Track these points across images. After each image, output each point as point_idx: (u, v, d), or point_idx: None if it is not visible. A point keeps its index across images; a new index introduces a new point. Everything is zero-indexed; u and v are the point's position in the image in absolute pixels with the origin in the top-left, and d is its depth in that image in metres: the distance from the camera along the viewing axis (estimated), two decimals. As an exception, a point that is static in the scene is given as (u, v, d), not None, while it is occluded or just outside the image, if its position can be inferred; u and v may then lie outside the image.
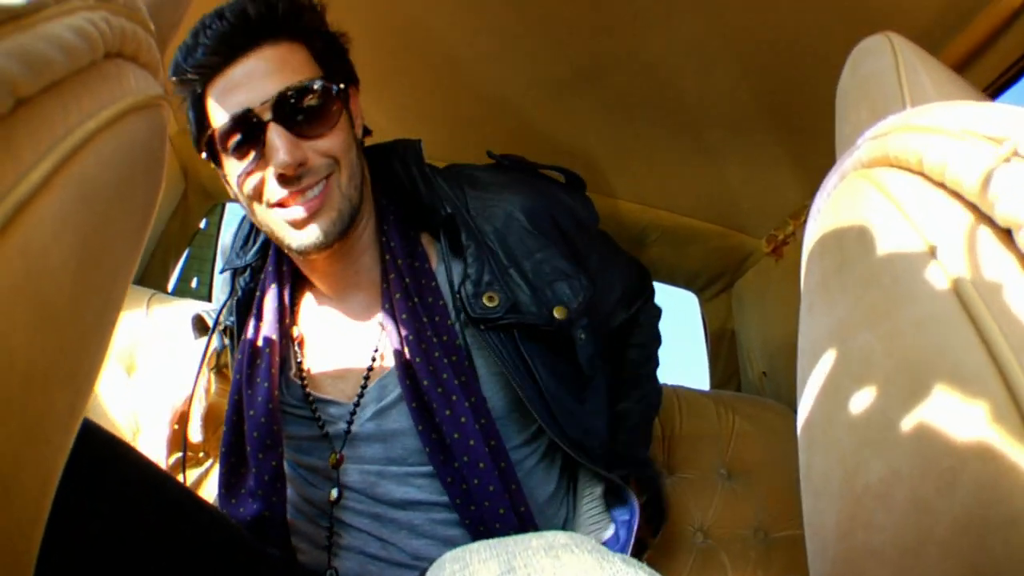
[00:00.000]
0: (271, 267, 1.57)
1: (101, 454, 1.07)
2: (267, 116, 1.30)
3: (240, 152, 1.34)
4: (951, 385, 0.48)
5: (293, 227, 1.38)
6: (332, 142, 1.38)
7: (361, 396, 1.47)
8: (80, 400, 0.59)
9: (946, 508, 0.46)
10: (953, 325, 0.50)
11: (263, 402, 1.43)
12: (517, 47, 1.86)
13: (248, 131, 1.31)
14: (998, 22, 1.42)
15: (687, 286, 2.98)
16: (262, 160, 1.33)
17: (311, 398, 1.51)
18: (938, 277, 0.53)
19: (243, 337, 1.54)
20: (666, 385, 2.35)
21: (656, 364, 1.91)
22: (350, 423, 1.47)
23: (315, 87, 1.35)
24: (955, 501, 0.46)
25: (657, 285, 2.91)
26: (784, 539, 2.13)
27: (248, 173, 1.35)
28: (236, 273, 1.65)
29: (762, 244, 2.56)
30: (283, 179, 1.33)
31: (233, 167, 1.36)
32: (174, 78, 1.36)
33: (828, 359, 0.62)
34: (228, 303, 1.63)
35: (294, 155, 1.31)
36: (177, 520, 1.18)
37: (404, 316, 1.43)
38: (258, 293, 1.58)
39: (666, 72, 1.88)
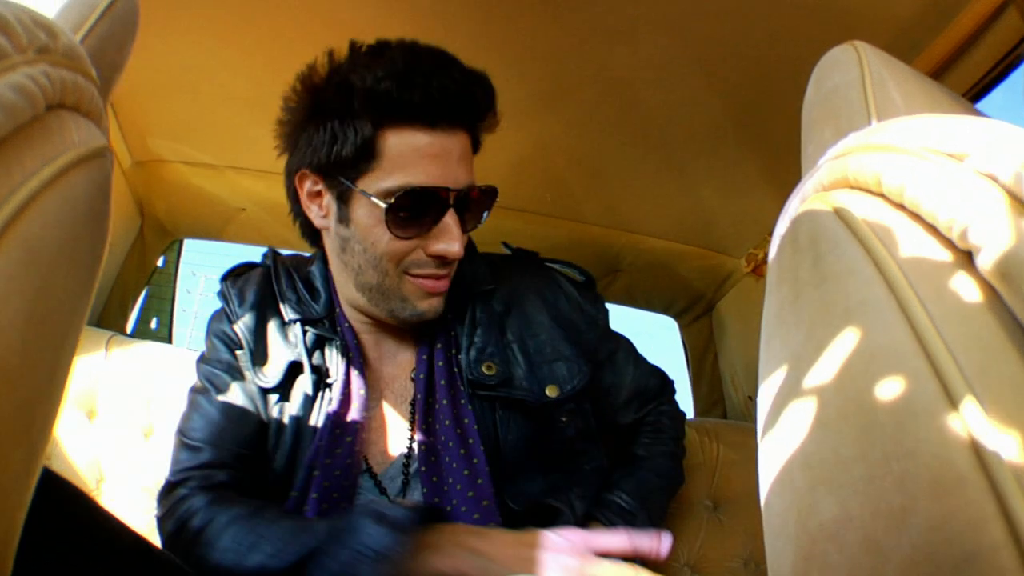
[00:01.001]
0: (347, 333, 1.63)
1: (61, 506, 1.08)
2: (451, 200, 1.43)
3: (411, 218, 1.42)
4: (903, 421, 0.49)
5: (419, 297, 1.52)
6: (467, 239, 1.56)
7: (407, 476, 1.57)
8: (35, 455, 0.60)
9: (896, 548, 0.46)
10: (905, 357, 0.50)
11: (347, 485, 1.52)
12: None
13: (431, 204, 1.42)
14: (979, 22, 1.42)
15: (665, 311, 2.98)
16: (423, 236, 1.45)
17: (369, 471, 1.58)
18: (891, 308, 0.52)
19: (323, 394, 1.57)
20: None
21: (666, 463, 1.93)
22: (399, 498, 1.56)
23: (489, 193, 1.52)
24: (905, 541, 0.46)
25: (634, 311, 2.92)
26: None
27: (406, 240, 1.44)
28: (309, 322, 1.64)
29: (741, 264, 2.57)
30: (442, 260, 1.48)
31: (397, 227, 1.42)
32: (355, 91, 1.39)
33: (783, 396, 0.61)
34: (320, 353, 1.61)
35: (463, 245, 1.45)
36: (137, 569, 1.19)
37: (443, 382, 1.58)
38: (347, 354, 1.61)
39: (634, 89, 1.89)
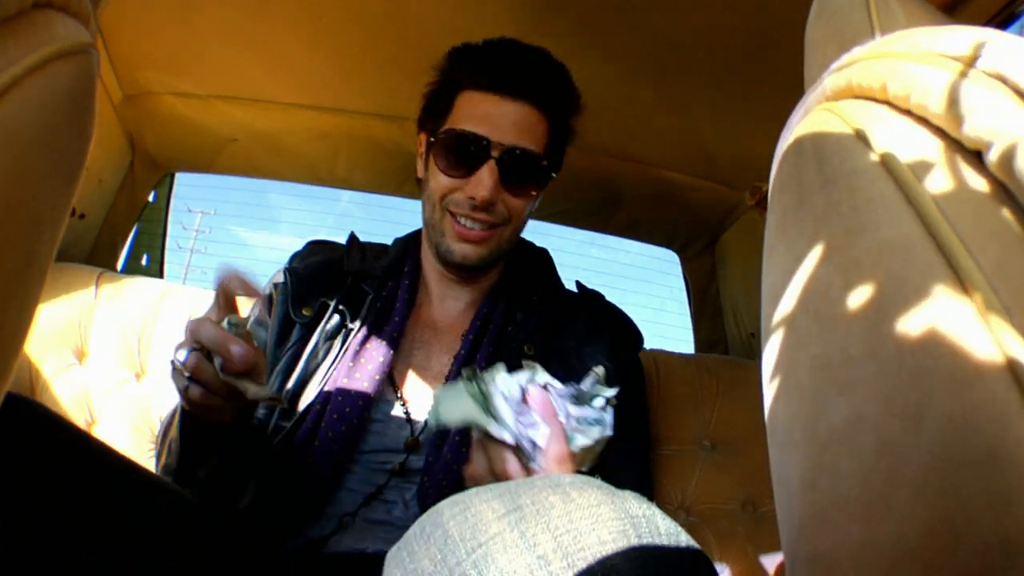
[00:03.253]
0: (406, 280, 1.88)
1: (35, 423, 1.11)
2: (494, 153, 1.67)
3: (455, 159, 1.70)
4: (915, 314, 0.47)
5: (453, 238, 1.76)
6: (519, 204, 1.77)
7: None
8: (6, 355, 0.59)
9: (914, 447, 0.45)
10: (917, 250, 0.49)
11: (362, 405, 1.65)
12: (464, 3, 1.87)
13: (474, 152, 1.68)
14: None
15: (667, 244, 2.97)
16: (465, 179, 1.70)
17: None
18: (900, 202, 0.51)
19: (349, 332, 1.77)
20: (644, 349, 2.35)
21: None
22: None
23: (539, 161, 1.73)
24: (923, 439, 0.44)
25: (636, 244, 2.91)
26: (776, 513, 2.12)
27: (451, 177, 1.71)
28: (359, 275, 1.89)
29: (746, 197, 2.54)
30: (473, 203, 1.69)
31: (442, 163, 1.72)
32: (456, 63, 1.77)
33: (787, 300, 0.60)
34: (353, 302, 1.83)
35: (493, 195, 1.68)
36: (118, 485, 1.22)
37: (489, 348, 1.77)
38: (378, 303, 1.83)
39: (636, 14, 1.86)
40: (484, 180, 1.66)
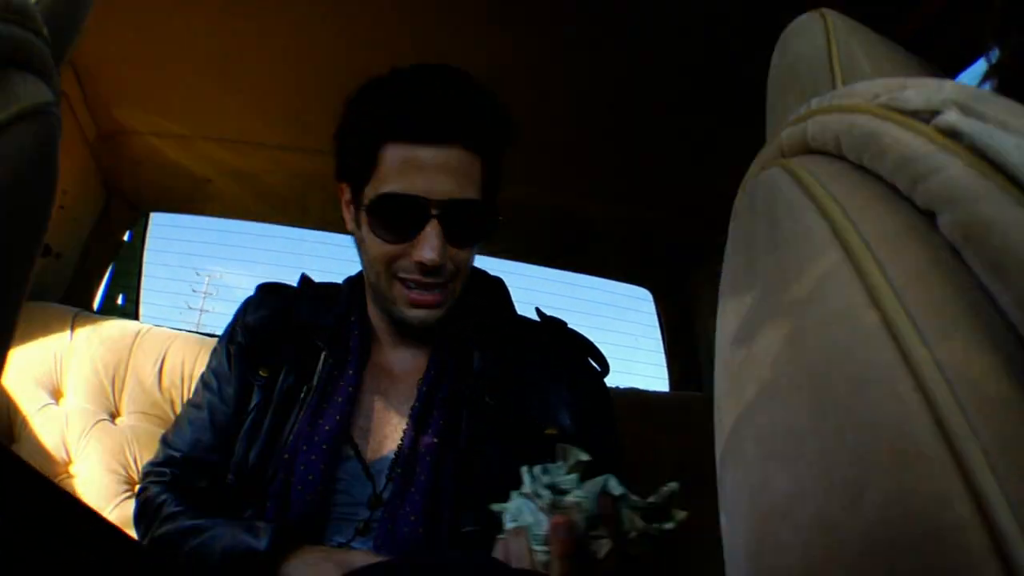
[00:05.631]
0: (356, 331, 1.79)
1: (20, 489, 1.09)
2: (435, 211, 1.54)
3: (394, 225, 1.58)
4: (857, 389, 0.46)
5: (405, 304, 1.64)
6: (465, 256, 1.66)
7: (391, 473, 1.65)
8: None
9: (851, 526, 0.44)
10: (861, 322, 0.48)
11: (324, 468, 1.62)
12: (435, 43, 1.89)
13: (413, 214, 1.55)
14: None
15: (640, 282, 2.97)
16: (408, 243, 1.57)
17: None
18: (847, 271, 0.50)
19: (306, 391, 1.71)
20: (619, 388, 2.34)
21: None
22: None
23: (482, 209, 1.62)
24: (860, 518, 0.44)
25: (608, 282, 2.90)
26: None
27: (393, 244, 1.58)
28: (311, 329, 1.79)
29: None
30: (423, 267, 1.57)
31: (380, 230, 1.59)
32: (364, 109, 1.62)
33: (736, 366, 0.59)
34: (311, 355, 1.76)
35: (442, 256, 1.56)
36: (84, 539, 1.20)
37: (443, 397, 1.69)
38: (331, 359, 1.74)
39: (603, 52, 1.87)
40: (431, 241, 1.55)
